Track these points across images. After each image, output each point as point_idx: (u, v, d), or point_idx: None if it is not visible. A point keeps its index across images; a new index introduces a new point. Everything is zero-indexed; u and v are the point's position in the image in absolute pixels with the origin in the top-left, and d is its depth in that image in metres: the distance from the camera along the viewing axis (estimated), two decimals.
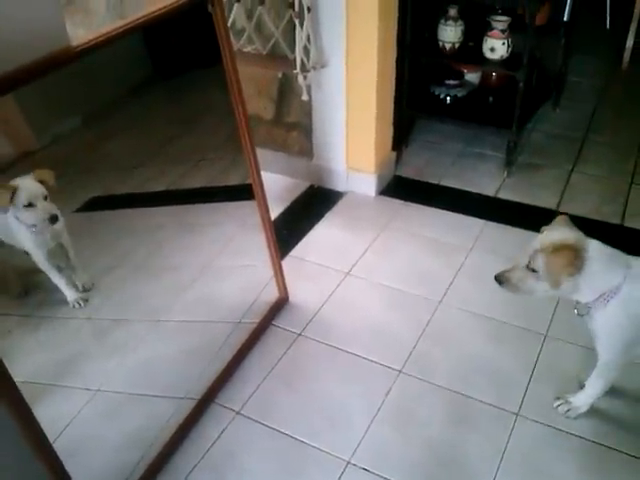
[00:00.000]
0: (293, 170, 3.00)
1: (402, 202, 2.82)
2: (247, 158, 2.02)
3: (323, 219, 2.76)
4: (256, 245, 2.25)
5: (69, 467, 1.49)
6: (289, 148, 2.99)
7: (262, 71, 2.77)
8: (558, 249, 1.49)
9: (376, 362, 2.04)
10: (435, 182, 2.96)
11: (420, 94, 3.12)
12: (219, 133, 2.85)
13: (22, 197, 1.76)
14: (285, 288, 2.30)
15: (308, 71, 2.48)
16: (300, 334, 2.17)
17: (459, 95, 3.08)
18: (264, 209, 2.14)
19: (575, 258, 1.48)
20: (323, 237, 2.66)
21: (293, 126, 2.93)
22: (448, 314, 2.22)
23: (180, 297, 2.29)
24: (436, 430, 1.82)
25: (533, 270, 1.54)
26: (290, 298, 2.32)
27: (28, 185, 1.82)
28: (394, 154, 2.99)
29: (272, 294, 2.29)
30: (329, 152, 2.87)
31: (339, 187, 2.93)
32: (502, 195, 2.85)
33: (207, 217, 2.62)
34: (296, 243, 2.61)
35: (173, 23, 2.95)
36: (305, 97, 2.61)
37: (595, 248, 1.52)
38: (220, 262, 2.45)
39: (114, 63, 3.12)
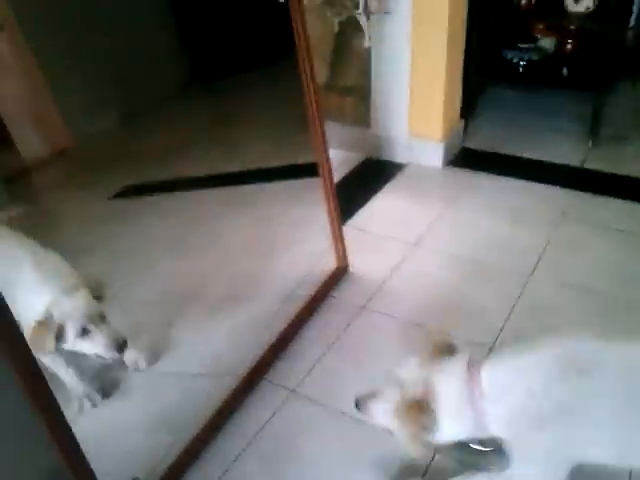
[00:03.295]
0: (346, 142, 2.68)
1: (473, 173, 2.48)
2: (311, 114, 1.73)
3: (382, 191, 2.43)
4: (309, 219, 2.10)
5: (93, 450, 1.18)
6: (343, 117, 2.68)
7: (316, 27, 2.48)
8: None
9: (456, 338, 1.68)
10: (509, 153, 2.61)
11: (490, 60, 2.80)
12: (257, 124, 2.96)
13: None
14: (345, 256, 1.97)
15: (372, 13, 2.17)
16: (364, 306, 1.83)
17: (534, 58, 2.74)
18: (326, 165, 1.82)
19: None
20: (384, 208, 2.33)
21: (348, 91, 2.62)
22: (541, 288, 1.85)
23: (225, 272, 2.06)
24: None
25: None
26: (350, 269, 1.99)
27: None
28: (462, 123, 2.66)
29: (328, 265, 1.96)
30: (389, 118, 2.55)
31: (399, 158, 2.60)
32: (589, 166, 2.48)
33: (253, 196, 2.47)
34: (353, 214, 2.28)
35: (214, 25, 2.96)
36: (367, 44, 2.30)
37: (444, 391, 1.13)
38: (270, 236, 2.22)
39: (153, 66, 3.06)
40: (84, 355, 1.51)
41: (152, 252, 2.17)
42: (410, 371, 1.17)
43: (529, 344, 1.14)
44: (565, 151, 2.59)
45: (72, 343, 1.46)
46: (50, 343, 1.42)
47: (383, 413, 1.19)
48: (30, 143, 2.87)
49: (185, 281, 2.03)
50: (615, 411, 1.04)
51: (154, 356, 1.71)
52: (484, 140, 2.72)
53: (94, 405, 1.57)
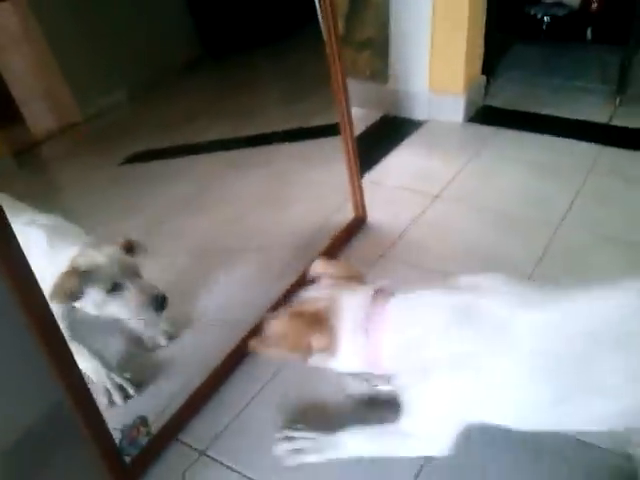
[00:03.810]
0: (362, 98, 2.56)
1: (496, 129, 2.37)
2: (334, 71, 1.66)
3: (400, 147, 2.33)
4: (323, 177, 2.05)
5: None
6: (359, 72, 2.57)
7: None
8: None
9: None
10: (533, 111, 2.50)
11: (513, 15, 2.68)
12: (268, 95, 2.92)
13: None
14: (363, 207, 1.88)
15: None
16: (382, 255, 1.73)
17: (559, 14, 2.62)
18: (345, 114, 1.74)
19: None
20: (402, 163, 2.23)
21: (365, 45, 2.52)
22: (570, 238, 1.75)
23: (237, 226, 1.97)
24: None
25: None
26: (368, 220, 1.89)
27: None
28: (484, 78, 2.55)
29: (344, 218, 1.87)
30: (408, 72, 2.45)
31: (418, 115, 2.50)
32: (617, 122, 2.37)
33: (265, 157, 2.39)
34: (369, 169, 2.18)
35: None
36: None
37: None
38: (283, 193, 2.13)
39: (162, 41, 2.98)
40: (109, 340, 1.39)
41: (162, 211, 2.09)
42: (315, 290, 1.08)
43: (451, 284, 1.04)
44: (591, 109, 2.47)
45: (102, 302, 1.24)
46: (75, 286, 1.20)
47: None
48: (39, 118, 2.80)
49: (196, 237, 1.95)
50: (517, 373, 0.93)
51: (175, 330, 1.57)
52: (506, 99, 2.61)
53: (127, 397, 1.35)
